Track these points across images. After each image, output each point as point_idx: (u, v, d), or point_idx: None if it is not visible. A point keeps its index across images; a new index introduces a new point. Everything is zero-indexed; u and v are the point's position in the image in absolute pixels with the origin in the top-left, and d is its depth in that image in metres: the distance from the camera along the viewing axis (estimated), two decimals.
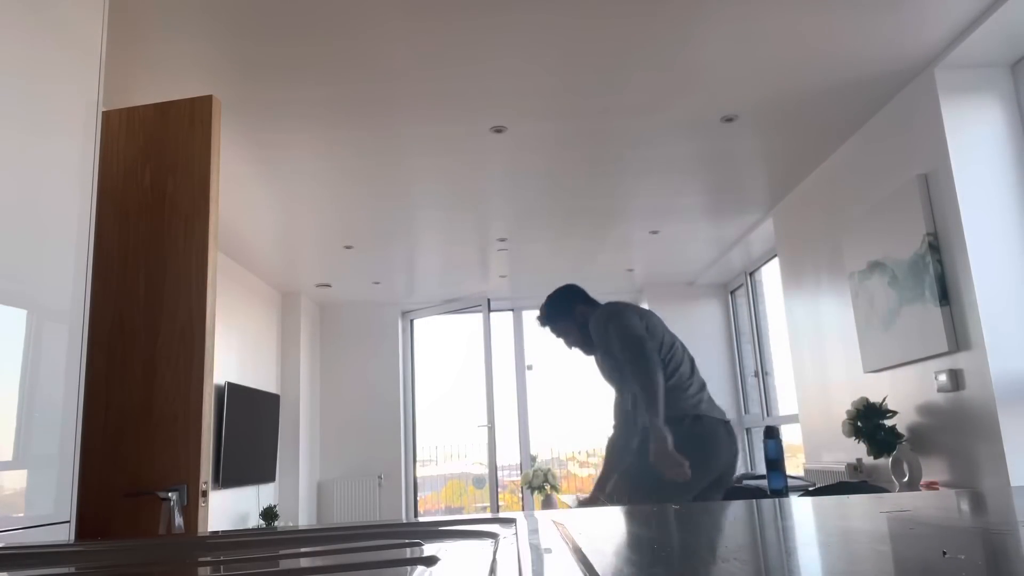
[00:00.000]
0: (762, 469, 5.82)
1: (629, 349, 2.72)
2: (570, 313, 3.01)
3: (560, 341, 3.15)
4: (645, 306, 7.11)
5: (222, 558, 0.74)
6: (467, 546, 0.68)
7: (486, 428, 6.41)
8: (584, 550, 0.63)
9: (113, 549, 0.77)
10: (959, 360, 3.04)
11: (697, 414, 2.71)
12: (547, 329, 3.12)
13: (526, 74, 3.07)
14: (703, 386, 2.84)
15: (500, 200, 4.57)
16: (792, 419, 5.13)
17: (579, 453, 7.80)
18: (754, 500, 1.05)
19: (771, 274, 6.02)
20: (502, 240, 5.42)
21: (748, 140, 3.81)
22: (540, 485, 6.51)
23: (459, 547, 0.68)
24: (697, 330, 6.93)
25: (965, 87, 3.07)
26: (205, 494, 2.05)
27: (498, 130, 3.57)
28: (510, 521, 0.84)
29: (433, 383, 7.49)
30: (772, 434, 2.98)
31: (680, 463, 2.56)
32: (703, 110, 3.46)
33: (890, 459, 3.31)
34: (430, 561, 0.57)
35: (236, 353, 5.66)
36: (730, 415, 6.71)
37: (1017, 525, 0.67)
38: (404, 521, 0.88)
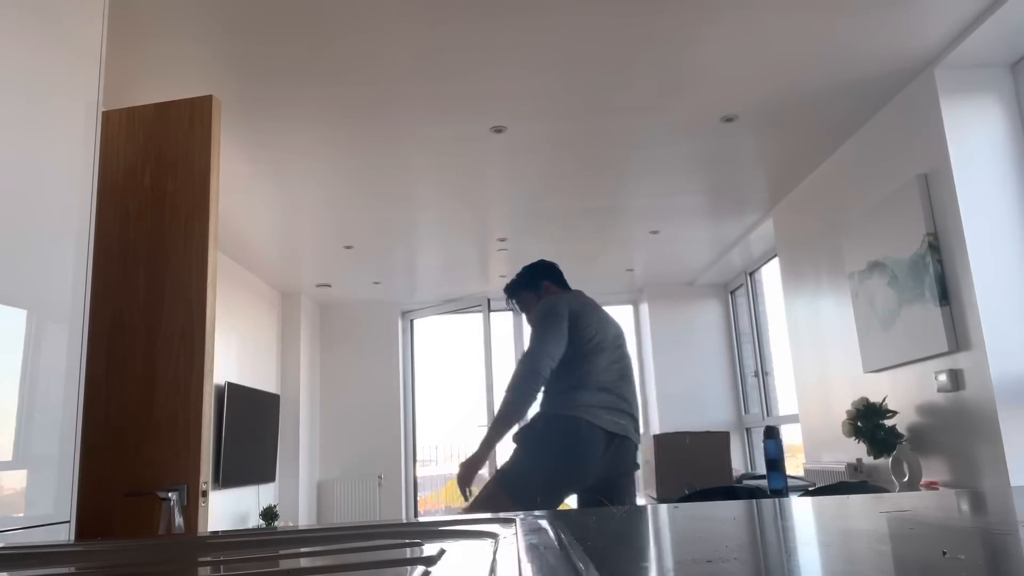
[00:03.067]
0: (762, 469, 5.82)
1: (537, 327, 2.71)
2: (537, 286, 2.97)
3: (523, 315, 3.23)
4: (647, 307, 7.11)
5: (222, 558, 0.74)
6: (467, 546, 0.68)
7: (486, 428, 6.41)
8: (584, 550, 0.63)
9: (113, 549, 0.77)
10: (959, 360, 3.04)
11: (572, 415, 2.61)
12: (513, 301, 3.03)
13: (526, 74, 3.07)
14: (621, 398, 2.70)
15: (500, 200, 4.57)
16: (792, 419, 5.13)
17: None
18: (754, 500, 1.05)
19: (771, 274, 6.02)
20: (502, 240, 5.42)
21: (748, 140, 3.81)
22: None
23: (459, 547, 0.68)
24: (697, 330, 6.93)
25: (965, 87, 3.07)
26: (205, 494, 2.05)
27: (498, 130, 3.57)
28: (510, 521, 0.84)
29: (433, 383, 7.49)
30: (772, 434, 2.98)
31: (466, 475, 2.58)
32: (703, 110, 3.45)
33: (890, 459, 3.31)
34: (430, 561, 0.57)
35: (236, 353, 5.66)
36: (730, 415, 6.74)
37: (1017, 525, 0.67)
38: (404, 521, 0.88)
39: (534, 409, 2.72)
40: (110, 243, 2.22)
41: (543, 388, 2.69)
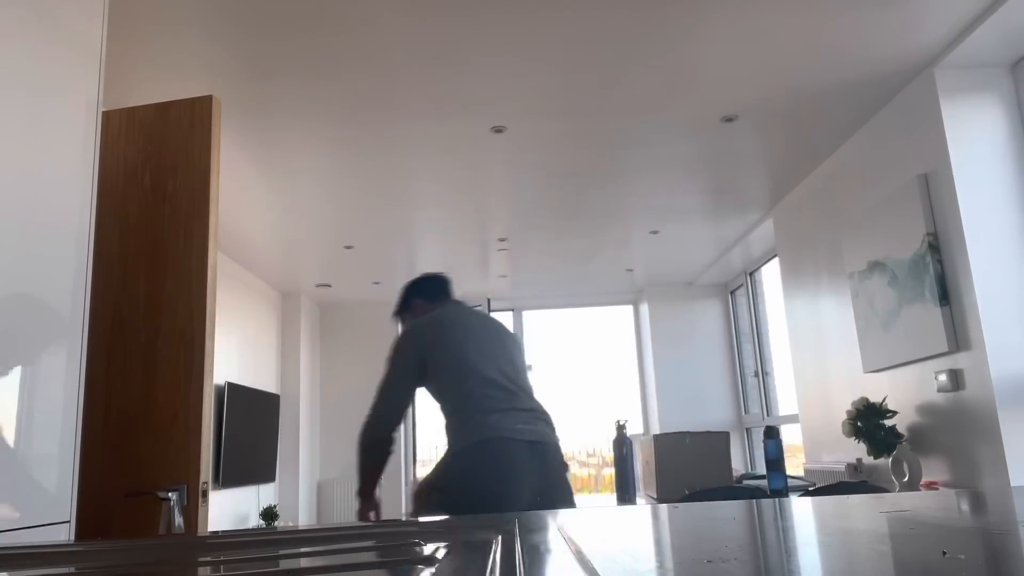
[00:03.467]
0: (762, 469, 5.82)
1: (385, 367, 2.58)
2: (408, 307, 2.80)
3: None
4: (647, 307, 7.10)
5: (222, 558, 0.74)
6: (467, 546, 0.68)
7: None
8: (584, 550, 0.63)
9: (113, 549, 0.77)
10: (959, 360, 3.04)
11: (482, 440, 2.41)
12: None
13: (526, 74, 3.07)
14: (512, 406, 2.52)
15: (500, 200, 4.57)
16: (792, 419, 5.13)
17: (579, 453, 7.80)
18: (754, 500, 1.05)
19: (771, 274, 6.02)
20: (502, 240, 5.42)
21: (748, 140, 3.81)
22: None
23: (459, 547, 0.68)
24: (697, 330, 6.93)
25: (965, 87, 3.07)
26: (205, 494, 2.05)
27: (498, 130, 3.57)
28: (510, 521, 0.84)
29: None
30: (772, 434, 2.98)
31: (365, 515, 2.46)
32: (703, 110, 3.45)
33: (890, 459, 3.31)
34: (430, 561, 0.57)
35: (236, 353, 5.66)
36: (730, 415, 6.74)
37: (1017, 525, 0.67)
38: (404, 521, 0.88)
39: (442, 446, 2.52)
40: (110, 243, 2.22)
41: (445, 423, 2.53)
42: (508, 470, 2.38)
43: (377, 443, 2.50)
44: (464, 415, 2.47)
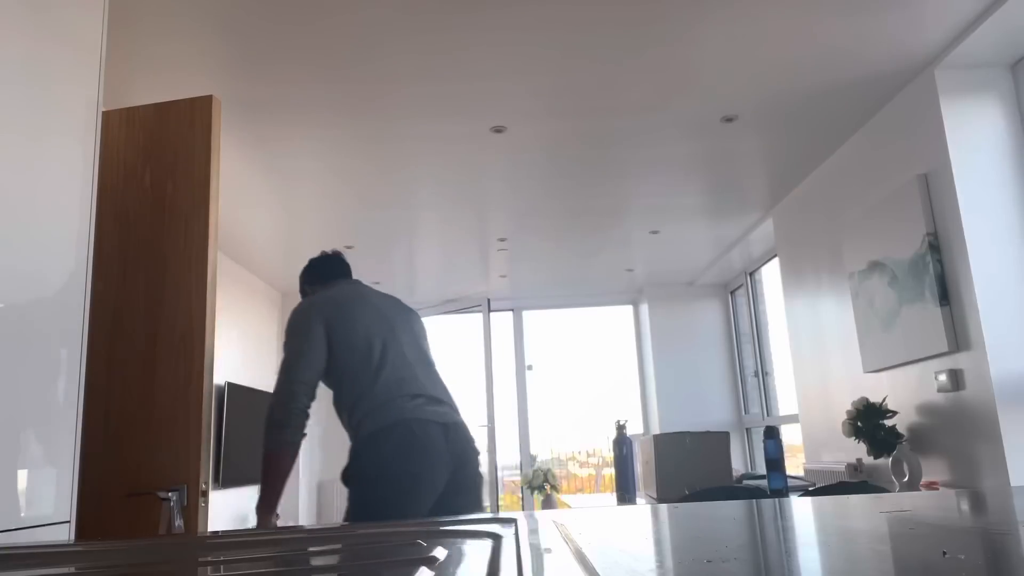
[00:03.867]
0: (762, 469, 5.82)
1: (283, 348, 2.45)
2: (303, 292, 2.70)
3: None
4: (647, 307, 7.10)
5: (222, 558, 0.74)
6: (467, 546, 0.68)
7: (486, 428, 6.41)
8: (584, 550, 0.63)
9: (113, 549, 0.77)
10: (959, 360, 3.04)
11: (393, 423, 2.31)
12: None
13: (526, 74, 3.07)
14: (421, 389, 2.42)
15: (500, 200, 4.57)
16: (792, 419, 5.13)
17: (579, 453, 7.80)
18: (754, 500, 1.05)
19: (771, 274, 6.02)
20: (502, 240, 5.42)
21: (748, 140, 3.81)
22: (540, 485, 6.51)
23: (459, 547, 0.68)
24: (697, 330, 6.93)
25: (965, 87, 3.07)
26: (205, 494, 2.05)
27: (498, 130, 3.57)
28: (510, 521, 0.84)
29: None
30: (772, 434, 2.98)
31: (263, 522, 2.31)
32: (703, 110, 3.46)
33: (890, 459, 3.31)
34: (430, 561, 0.57)
35: (236, 353, 5.66)
36: (730, 415, 6.74)
37: (1017, 525, 0.67)
38: (404, 521, 0.88)
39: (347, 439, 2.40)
40: (110, 244, 2.22)
41: (343, 410, 2.42)
42: (422, 452, 2.29)
43: (279, 428, 2.33)
44: (372, 398, 2.36)
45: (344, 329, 2.41)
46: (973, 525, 0.69)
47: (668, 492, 3.75)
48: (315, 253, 2.86)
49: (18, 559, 0.70)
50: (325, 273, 2.66)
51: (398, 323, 2.53)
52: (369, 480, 2.30)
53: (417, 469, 2.28)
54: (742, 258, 6.13)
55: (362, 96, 3.19)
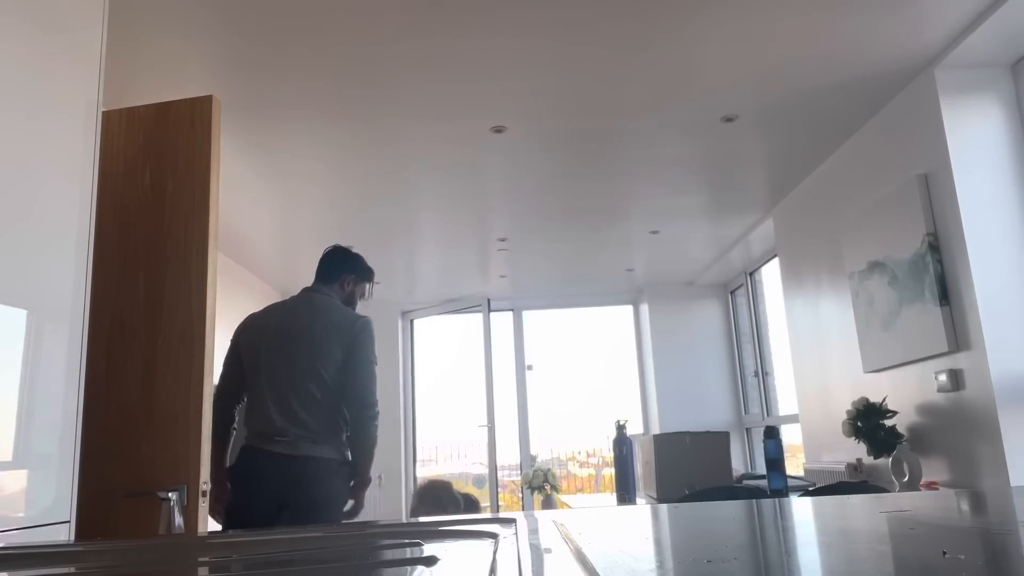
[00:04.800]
0: (762, 469, 5.82)
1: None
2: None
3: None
4: (647, 307, 7.10)
5: (222, 558, 0.74)
6: (467, 546, 0.68)
7: (486, 428, 6.41)
8: (584, 550, 0.63)
9: (113, 549, 0.77)
10: (959, 360, 3.04)
11: (242, 447, 2.56)
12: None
13: (526, 74, 3.07)
14: (277, 418, 2.53)
15: (500, 200, 4.57)
16: (792, 419, 5.13)
17: (579, 453, 7.80)
18: (754, 500, 1.05)
19: (771, 274, 6.02)
20: (502, 240, 5.42)
21: (748, 140, 3.81)
22: (540, 485, 6.51)
23: (459, 547, 0.68)
24: (697, 330, 6.93)
25: (965, 87, 3.07)
26: (205, 494, 2.05)
27: (498, 130, 3.57)
28: (510, 521, 0.84)
29: (433, 383, 7.49)
30: (772, 434, 2.98)
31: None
32: (703, 110, 3.45)
33: (890, 459, 3.31)
34: (430, 561, 0.57)
35: None
36: (730, 415, 6.73)
37: (1017, 525, 0.67)
38: (404, 521, 0.88)
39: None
40: (110, 243, 2.22)
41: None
42: (251, 482, 2.45)
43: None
44: (242, 420, 2.58)
45: (249, 340, 2.71)
46: (973, 525, 0.69)
47: (668, 492, 3.75)
48: (315, 253, 2.90)
49: (18, 559, 0.70)
50: (316, 274, 2.88)
51: (297, 345, 2.62)
52: (225, 502, 2.55)
53: (244, 500, 2.46)
54: (742, 258, 6.13)
55: (362, 96, 3.19)
